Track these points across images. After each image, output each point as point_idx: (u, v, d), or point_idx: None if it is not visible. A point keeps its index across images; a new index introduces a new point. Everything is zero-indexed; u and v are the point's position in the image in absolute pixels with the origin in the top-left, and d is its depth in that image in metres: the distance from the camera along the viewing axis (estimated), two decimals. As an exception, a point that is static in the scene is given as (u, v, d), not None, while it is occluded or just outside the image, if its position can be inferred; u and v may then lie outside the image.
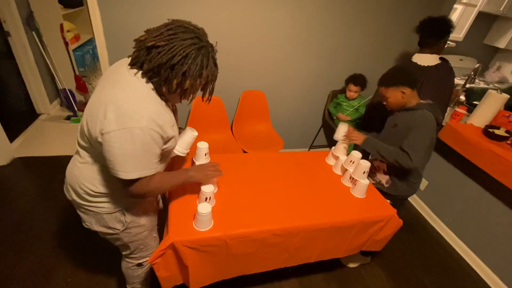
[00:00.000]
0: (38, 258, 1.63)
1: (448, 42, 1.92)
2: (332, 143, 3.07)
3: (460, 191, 2.14)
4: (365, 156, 1.52)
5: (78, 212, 1.06)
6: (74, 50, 3.17)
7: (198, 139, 1.27)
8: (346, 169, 1.54)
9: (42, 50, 2.82)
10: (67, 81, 3.04)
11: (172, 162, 1.40)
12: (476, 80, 3.18)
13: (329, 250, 1.43)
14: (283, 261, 1.36)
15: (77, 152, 0.98)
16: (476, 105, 2.10)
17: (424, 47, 1.86)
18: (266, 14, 2.12)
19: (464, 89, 2.53)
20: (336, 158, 1.64)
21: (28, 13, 2.68)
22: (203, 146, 1.35)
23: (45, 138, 2.71)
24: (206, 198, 1.16)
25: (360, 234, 1.41)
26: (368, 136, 1.54)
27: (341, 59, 2.52)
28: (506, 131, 1.87)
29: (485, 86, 3.11)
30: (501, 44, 3.27)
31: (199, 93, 0.94)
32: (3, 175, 2.19)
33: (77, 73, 3.13)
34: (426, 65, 1.81)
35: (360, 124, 2.50)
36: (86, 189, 0.96)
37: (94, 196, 0.97)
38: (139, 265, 1.27)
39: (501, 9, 3.00)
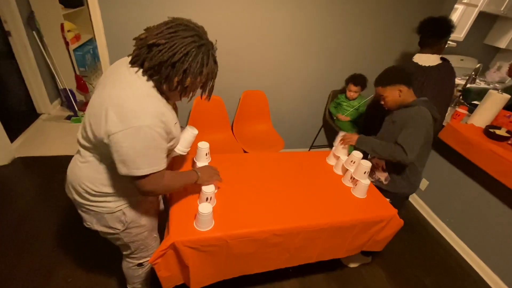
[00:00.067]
0: (38, 258, 1.63)
1: (448, 42, 1.92)
2: (332, 143, 3.07)
3: (460, 191, 2.14)
4: (365, 156, 1.52)
5: (79, 211, 1.06)
6: (74, 50, 3.17)
7: (198, 139, 1.27)
8: (347, 169, 1.54)
9: (43, 50, 2.82)
10: (67, 81, 3.05)
11: (172, 161, 1.40)
12: (477, 80, 3.18)
13: (329, 250, 1.43)
14: (283, 261, 1.36)
15: (78, 152, 0.98)
16: (476, 105, 2.10)
17: (424, 47, 1.86)
18: (266, 14, 2.12)
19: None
20: (337, 158, 1.64)
21: (28, 13, 2.68)
22: (204, 146, 1.35)
23: (46, 138, 2.71)
24: (207, 198, 1.16)
25: (361, 235, 1.41)
26: (361, 135, 1.57)
27: (341, 59, 2.52)
28: (507, 131, 1.87)
29: (486, 86, 3.10)
30: (502, 44, 3.27)
31: (199, 92, 0.94)
32: (3, 175, 2.19)
33: (77, 73, 3.13)
34: (427, 65, 1.81)
35: (360, 124, 2.50)
36: (87, 189, 0.96)
37: (95, 196, 0.97)
38: (140, 265, 1.27)
39: (502, 9, 3.00)
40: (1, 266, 1.55)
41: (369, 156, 1.66)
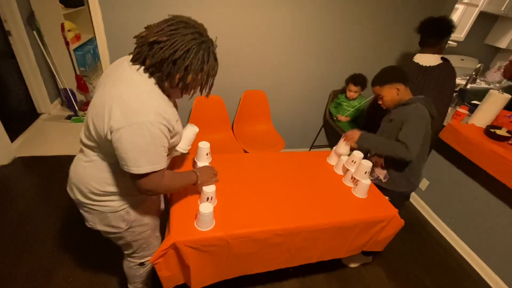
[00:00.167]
0: (38, 258, 1.63)
1: (449, 42, 1.92)
2: (333, 143, 3.07)
3: (461, 191, 2.14)
4: (365, 155, 1.52)
5: (81, 211, 1.05)
6: (75, 50, 3.17)
7: (199, 138, 1.27)
8: (348, 169, 1.54)
9: (43, 50, 2.82)
10: (68, 81, 3.04)
11: (173, 161, 1.40)
12: (477, 80, 3.18)
13: (330, 250, 1.43)
14: (284, 261, 1.36)
15: (81, 151, 0.98)
16: (477, 105, 2.10)
17: (425, 47, 1.86)
18: (266, 14, 2.12)
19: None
20: (338, 156, 1.64)
21: (29, 12, 2.68)
22: (204, 146, 1.35)
23: (46, 138, 2.70)
24: (208, 198, 1.16)
25: (362, 235, 1.41)
26: (363, 132, 1.56)
27: (341, 59, 2.52)
28: (508, 131, 1.87)
29: (486, 86, 3.10)
30: (502, 44, 3.28)
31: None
32: (3, 175, 2.19)
33: (78, 72, 3.13)
34: (427, 65, 1.81)
35: (360, 124, 2.50)
36: (92, 188, 0.96)
37: (99, 195, 0.97)
38: (141, 264, 1.27)
39: (502, 9, 3.00)
40: (1, 266, 1.55)
41: (368, 154, 1.66)
